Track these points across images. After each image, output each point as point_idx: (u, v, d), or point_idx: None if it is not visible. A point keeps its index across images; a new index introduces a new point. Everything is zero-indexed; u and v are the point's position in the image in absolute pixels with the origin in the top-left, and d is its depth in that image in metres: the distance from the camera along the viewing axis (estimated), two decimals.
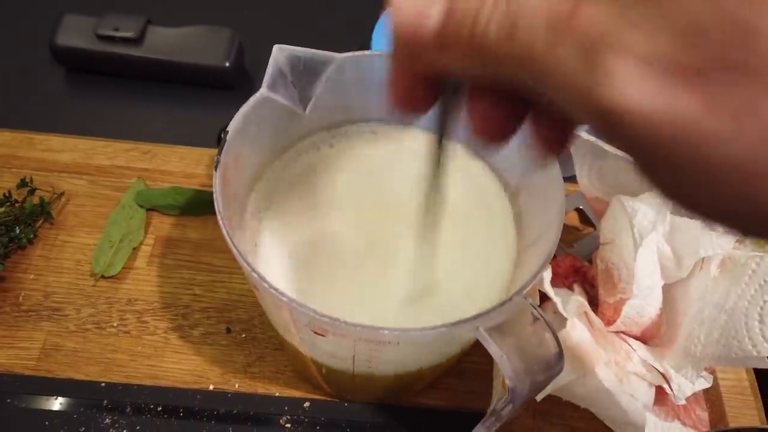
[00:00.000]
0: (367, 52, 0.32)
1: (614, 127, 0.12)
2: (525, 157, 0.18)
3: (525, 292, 0.25)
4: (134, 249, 0.42)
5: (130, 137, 0.48)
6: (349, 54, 0.31)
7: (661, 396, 0.35)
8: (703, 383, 0.35)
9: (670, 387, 0.35)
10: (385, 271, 0.32)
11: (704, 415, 0.37)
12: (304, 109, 0.30)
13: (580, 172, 0.40)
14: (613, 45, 0.11)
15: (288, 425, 0.35)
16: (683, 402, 0.35)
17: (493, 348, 0.25)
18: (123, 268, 0.41)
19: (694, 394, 0.36)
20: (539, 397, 0.34)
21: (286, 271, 0.32)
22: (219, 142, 0.52)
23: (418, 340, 0.25)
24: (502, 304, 0.24)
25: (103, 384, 0.36)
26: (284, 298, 0.23)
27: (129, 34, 0.52)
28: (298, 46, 0.30)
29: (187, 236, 0.43)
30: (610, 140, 0.13)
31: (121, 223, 0.42)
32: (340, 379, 0.33)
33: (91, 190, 0.45)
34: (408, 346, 0.27)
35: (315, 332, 0.25)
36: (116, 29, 0.52)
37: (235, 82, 0.55)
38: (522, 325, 0.25)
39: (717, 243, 0.34)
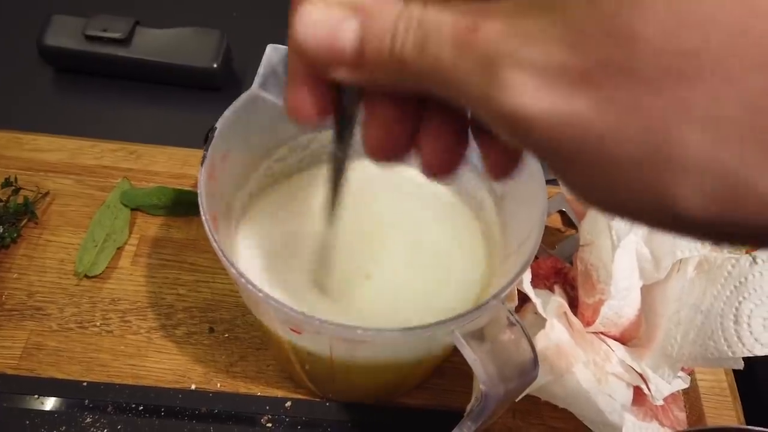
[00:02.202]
0: None
1: (518, 133, 0.13)
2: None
3: (502, 296, 0.25)
4: (118, 249, 0.42)
5: (118, 137, 0.48)
6: None
7: (639, 396, 0.36)
8: (681, 384, 0.35)
9: (647, 387, 0.35)
10: (364, 274, 0.33)
11: (682, 416, 0.37)
12: None
13: None
14: (508, 58, 0.12)
15: (269, 425, 0.36)
16: (661, 402, 0.35)
17: (467, 352, 0.25)
18: (107, 267, 0.41)
19: (672, 395, 0.36)
20: (518, 398, 0.34)
21: (268, 269, 0.32)
22: (206, 142, 0.52)
23: (393, 340, 0.25)
24: (478, 307, 0.25)
25: (85, 383, 0.36)
26: (260, 294, 0.24)
27: (117, 35, 0.52)
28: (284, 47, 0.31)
29: (171, 236, 0.43)
30: (521, 145, 0.14)
31: (106, 223, 0.42)
32: (321, 376, 0.34)
33: (77, 190, 0.45)
34: (385, 347, 0.27)
35: (291, 329, 0.26)
36: (104, 30, 0.52)
37: (222, 84, 0.55)
38: (498, 330, 0.26)
39: (694, 245, 0.34)
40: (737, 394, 0.40)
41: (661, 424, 0.36)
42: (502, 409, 0.30)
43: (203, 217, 0.26)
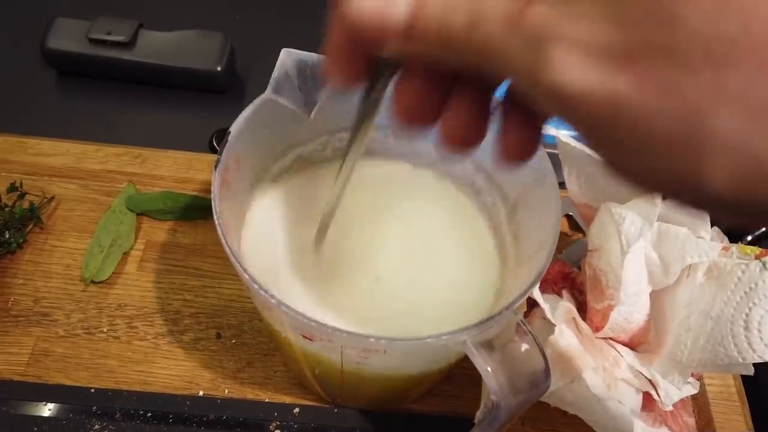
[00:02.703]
0: None
1: (562, 107, 0.14)
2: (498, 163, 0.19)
3: (515, 307, 0.25)
4: (124, 254, 0.42)
5: (122, 141, 0.48)
6: None
7: (648, 402, 0.36)
8: (690, 389, 0.35)
9: (657, 393, 0.35)
10: (373, 276, 0.32)
11: (691, 421, 0.37)
12: (309, 113, 0.30)
13: (569, 178, 0.40)
14: (555, 36, 0.13)
15: (277, 431, 0.36)
16: (670, 408, 0.35)
17: (479, 362, 0.25)
18: (113, 273, 0.41)
19: (682, 400, 0.36)
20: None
21: (279, 273, 0.32)
22: (210, 146, 0.52)
23: (405, 349, 0.25)
24: (490, 317, 0.25)
25: (92, 390, 0.36)
26: (273, 301, 0.23)
27: (121, 38, 0.52)
28: (285, 46, 0.31)
29: (177, 241, 0.43)
30: (564, 120, 0.14)
31: (111, 228, 0.42)
32: (331, 381, 0.33)
33: (82, 195, 0.45)
34: (396, 355, 0.27)
35: (303, 336, 0.25)
36: (108, 33, 0.52)
37: (226, 86, 0.55)
38: (509, 339, 0.26)
39: (703, 250, 0.34)
40: (745, 400, 0.40)
41: (671, 429, 0.36)
42: (513, 419, 0.30)
43: (216, 222, 0.26)
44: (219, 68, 0.53)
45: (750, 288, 0.32)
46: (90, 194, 0.45)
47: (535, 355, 0.25)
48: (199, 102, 0.54)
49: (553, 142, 0.39)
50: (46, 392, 0.36)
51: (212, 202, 0.26)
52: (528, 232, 0.31)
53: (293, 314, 0.23)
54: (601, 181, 0.39)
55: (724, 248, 0.35)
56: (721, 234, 0.38)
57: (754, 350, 0.32)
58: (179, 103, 0.54)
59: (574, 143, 0.38)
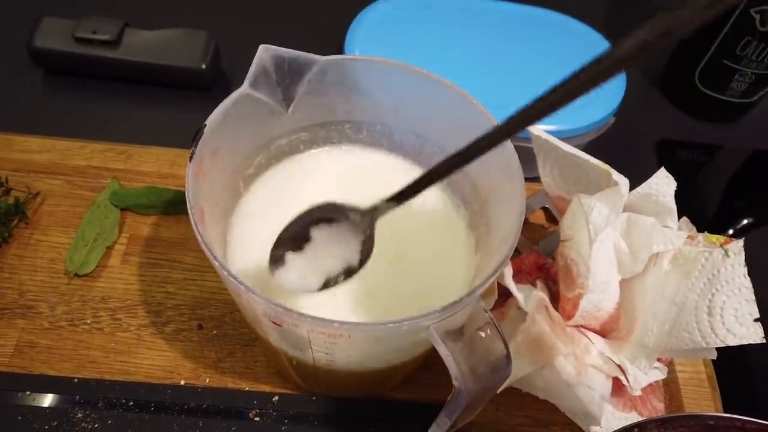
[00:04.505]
0: (348, 57, 0.33)
1: None
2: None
3: (477, 294, 0.26)
4: (108, 248, 0.43)
5: (107, 138, 0.49)
6: (331, 57, 0.32)
7: (618, 387, 0.37)
8: (658, 374, 0.36)
9: (626, 378, 0.36)
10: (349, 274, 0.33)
11: (660, 406, 0.38)
12: (287, 108, 0.31)
13: (543, 171, 0.41)
14: None
15: (257, 419, 0.36)
16: (639, 393, 0.36)
17: (441, 348, 0.26)
18: (97, 266, 0.41)
19: (651, 386, 0.37)
20: (499, 390, 0.35)
21: (255, 264, 0.33)
22: (194, 140, 0.53)
23: (368, 334, 0.26)
24: (452, 304, 0.25)
25: (76, 380, 0.37)
26: (242, 287, 0.24)
27: (106, 37, 0.52)
28: (269, 42, 0.32)
29: (160, 235, 0.44)
30: None
31: (96, 223, 0.43)
32: (306, 370, 0.34)
33: (67, 191, 0.45)
34: (363, 342, 0.28)
35: (273, 322, 0.26)
36: (94, 32, 0.53)
37: (211, 84, 0.56)
38: (472, 327, 0.26)
39: (669, 239, 0.35)
40: (716, 385, 0.41)
41: (640, 414, 0.37)
42: (480, 405, 0.31)
43: (189, 212, 0.26)
44: (204, 66, 0.54)
45: (713, 275, 0.33)
46: (75, 190, 0.45)
47: (497, 341, 0.26)
48: (185, 99, 0.55)
49: (527, 137, 0.40)
50: (30, 382, 0.37)
51: (186, 193, 0.27)
52: (497, 224, 0.32)
53: (258, 298, 0.24)
54: (573, 173, 0.40)
55: (691, 237, 0.36)
56: (690, 224, 0.39)
57: (716, 335, 0.33)
58: (164, 100, 0.55)
59: (547, 137, 0.39)
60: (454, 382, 0.26)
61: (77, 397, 0.36)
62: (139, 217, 0.44)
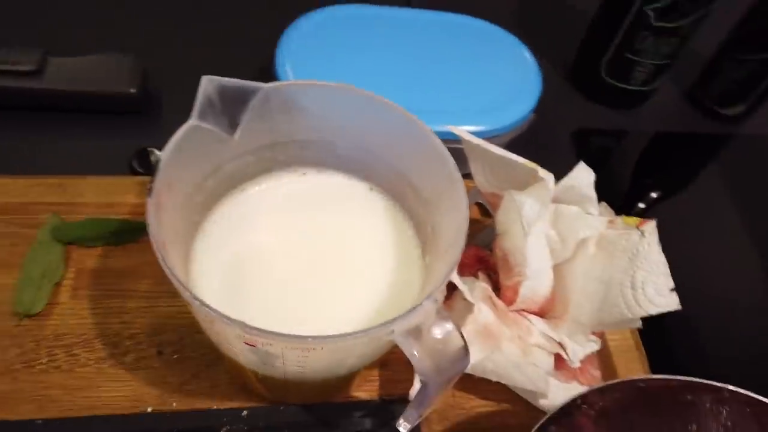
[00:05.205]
0: (289, 82, 0.35)
1: None
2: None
3: (434, 297, 0.28)
4: (57, 284, 0.42)
5: (40, 171, 0.48)
6: (274, 84, 0.33)
7: (559, 362, 0.40)
8: (593, 346, 0.40)
9: (566, 353, 0.40)
10: (308, 287, 0.35)
11: (597, 373, 0.42)
12: (233, 134, 0.32)
13: (475, 170, 0.44)
14: None
15: None
16: (578, 365, 0.40)
17: (407, 349, 0.28)
18: (47, 304, 0.41)
19: (588, 357, 0.41)
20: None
21: (217, 288, 0.34)
22: (131, 168, 0.53)
23: (341, 345, 0.28)
24: (414, 309, 0.28)
25: (39, 421, 0.37)
26: (214, 314, 0.26)
27: (28, 67, 0.51)
28: (202, 69, 0.33)
29: (109, 266, 0.44)
30: None
31: (40, 260, 0.42)
32: (275, 383, 0.36)
33: (3, 230, 0.44)
34: (333, 351, 0.30)
35: (246, 343, 0.28)
36: (13, 63, 0.51)
37: (142, 108, 0.56)
38: (431, 326, 0.29)
39: (592, 225, 0.39)
40: (643, 350, 0.46)
41: (580, 382, 0.41)
42: (441, 395, 0.34)
43: (154, 247, 0.27)
44: (133, 90, 0.54)
45: (633, 254, 0.37)
46: (12, 228, 0.44)
47: (455, 336, 0.29)
48: (116, 125, 0.55)
49: (457, 139, 0.43)
50: None
51: (148, 227, 0.28)
52: (442, 229, 0.34)
53: (235, 325, 0.26)
54: (503, 172, 0.43)
55: (611, 221, 0.40)
56: (608, 208, 0.43)
57: (640, 306, 0.37)
58: (95, 128, 0.54)
59: (477, 141, 0.42)
60: (421, 378, 0.29)
61: None
62: (84, 249, 0.44)
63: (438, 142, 0.34)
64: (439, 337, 0.28)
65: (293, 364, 0.30)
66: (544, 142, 0.60)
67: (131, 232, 0.45)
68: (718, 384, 0.34)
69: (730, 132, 0.68)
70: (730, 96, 0.66)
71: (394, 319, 0.27)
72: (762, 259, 0.58)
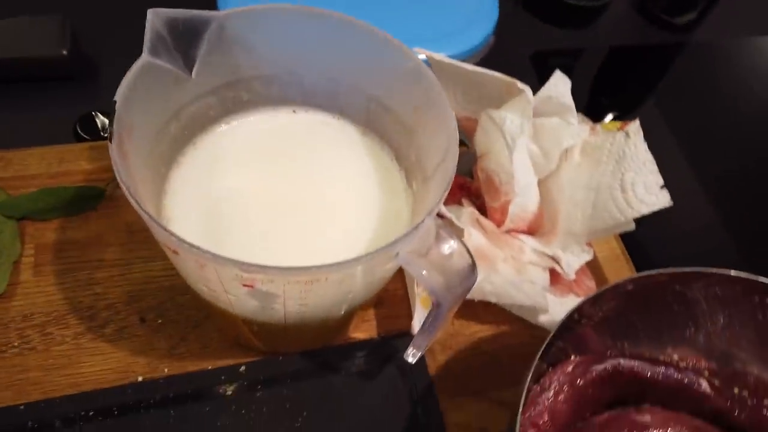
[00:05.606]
0: (245, 9, 0.31)
1: None
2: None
3: (434, 213, 0.27)
4: (15, 263, 0.39)
5: None
6: (227, 11, 0.30)
7: (555, 277, 0.40)
8: (587, 256, 0.40)
9: (560, 267, 0.39)
10: (289, 225, 0.33)
11: (592, 283, 0.42)
12: (190, 72, 0.30)
13: (447, 94, 0.42)
14: None
15: (229, 392, 0.36)
16: (573, 276, 0.40)
17: (414, 269, 0.27)
18: (8, 285, 0.38)
19: (581, 268, 0.41)
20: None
21: (196, 239, 0.32)
22: (75, 134, 0.49)
23: (344, 273, 0.26)
24: (415, 227, 0.26)
25: (22, 406, 0.34)
26: (209, 255, 0.24)
27: None
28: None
29: (70, 237, 0.41)
30: None
31: None
32: (271, 332, 0.34)
33: None
34: (334, 283, 0.28)
35: (244, 285, 0.26)
36: None
37: (75, 72, 0.51)
38: (436, 244, 0.27)
39: (575, 133, 0.39)
40: (628, 257, 0.46)
41: (577, 294, 0.41)
42: (449, 318, 0.33)
43: (128, 194, 0.25)
44: (64, 52, 0.50)
45: (619, 156, 0.37)
46: None
47: (462, 252, 0.28)
48: (51, 92, 0.50)
49: (427, 63, 0.41)
50: None
51: (117, 176, 0.25)
52: (428, 151, 0.33)
53: (233, 262, 0.24)
54: (475, 91, 0.42)
55: (592, 129, 0.39)
56: (585, 117, 0.42)
57: (632, 208, 0.37)
58: (30, 96, 0.50)
59: (446, 60, 0.40)
60: (432, 298, 0.27)
61: (29, 423, 0.34)
62: (39, 224, 0.41)
63: (414, 57, 0.32)
64: (446, 253, 0.27)
65: (294, 302, 0.28)
66: (504, 66, 0.58)
67: (88, 199, 0.41)
68: (705, 269, 0.33)
69: (683, 41, 0.69)
70: (679, 4, 0.66)
71: (397, 240, 0.26)
72: (717, 164, 0.59)
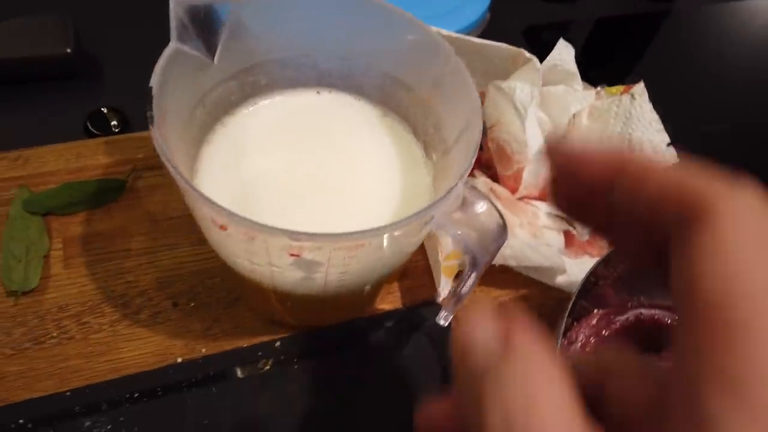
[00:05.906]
0: None
1: None
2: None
3: (465, 177, 0.28)
4: (45, 257, 0.39)
5: None
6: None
7: (569, 239, 0.42)
8: None
9: (574, 228, 0.41)
10: (317, 201, 0.34)
11: (605, 244, 0.44)
12: (213, 58, 0.31)
13: None
14: None
15: (267, 367, 0.37)
16: (587, 237, 0.41)
17: (450, 230, 0.28)
18: (40, 279, 0.39)
19: None
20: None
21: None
22: (86, 130, 0.49)
23: (388, 235, 0.27)
24: (449, 191, 0.28)
25: (68, 393, 0.35)
26: (259, 226, 0.25)
27: None
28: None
29: (95, 230, 0.41)
30: None
31: (20, 236, 0.40)
32: (305, 307, 0.35)
33: None
34: (375, 249, 0.29)
35: (291, 254, 0.27)
36: None
37: (81, 68, 0.52)
38: (467, 206, 0.29)
39: (582, 98, 0.40)
40: None
41: (591, 255, 0.42)
42: (478, 279, 0.35)
43: (174, 174, 0.26)
44: (69, 50, 0.50)
45: (626, 117, 0.38)
46: None
47: (492, 213, 0.29)
48: (58, 90, 0.51)
49: None
50: (18, 411, 0.34)
51: (162, 156, 0.26)
52: (448, 120, 0.34)
53: (283, 231, 0.25)
54: (480, 64, 0.43)
55: (597, 93, 0.41)
56: (588, 84, 0.44)
57: None
58: (37, 95, 0.50)
59: (454, 34, 0.41)
60: (467, 257, 0.29)
61: (76, 408, 0.35)
62: (64, 218, 0.41)
63: (430, 30, 0.33)
64: (480, 211, 0.28)
65: (336, 270, 0.29)
66: (500, 41, 0.60)
67: (112, 191, 0.42)
68: None
69: (666, 9, 0.71)
70: None
71: (434, 203, 0.27)
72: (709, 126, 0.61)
